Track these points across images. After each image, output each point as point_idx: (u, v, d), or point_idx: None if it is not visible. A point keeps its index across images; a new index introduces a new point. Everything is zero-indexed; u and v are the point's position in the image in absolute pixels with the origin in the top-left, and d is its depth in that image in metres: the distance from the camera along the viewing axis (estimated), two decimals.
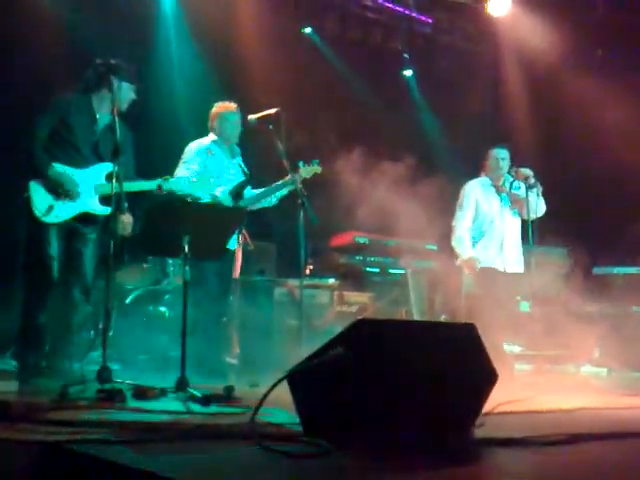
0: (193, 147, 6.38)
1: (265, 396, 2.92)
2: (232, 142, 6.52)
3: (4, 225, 6.09)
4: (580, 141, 8.99)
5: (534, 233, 6.87)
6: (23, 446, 2.60)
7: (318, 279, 7.86)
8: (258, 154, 6.88)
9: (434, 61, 11.14)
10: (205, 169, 6.28)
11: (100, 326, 6.53)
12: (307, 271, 7.93)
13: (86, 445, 2.60)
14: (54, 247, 5.15)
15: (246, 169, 6.49)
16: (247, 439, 2.79)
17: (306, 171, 6.46)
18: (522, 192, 7.11)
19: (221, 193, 6.31)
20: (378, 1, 10.52)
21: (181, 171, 6.23)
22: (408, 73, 11.15)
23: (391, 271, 8.71)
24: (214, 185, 6.23)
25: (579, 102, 8.72)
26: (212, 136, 6.48)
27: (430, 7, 10.82)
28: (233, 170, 6.50)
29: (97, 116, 5.39)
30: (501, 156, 7.19)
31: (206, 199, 6.11)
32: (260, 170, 6.83)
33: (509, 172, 7.14)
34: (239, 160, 6.56)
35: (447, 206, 7.30)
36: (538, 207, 7.05)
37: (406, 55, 10.97)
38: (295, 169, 6.36)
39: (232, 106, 6.49)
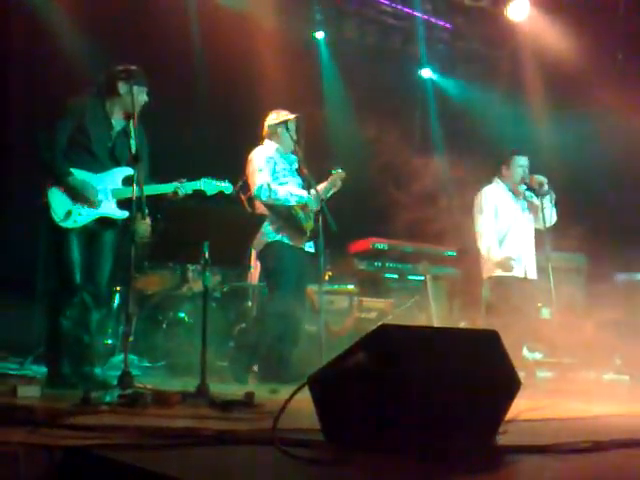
0: (261, 156, 6.52)
1: (287, 402, 2.91)
2: (289, 151, 6.63)
3: (24, 231, 6.13)
4: (601, 145, 8.94)
5: (550, 240, 6.87)
6: (47, 451, 2.60)
7: (337, 285, 7.85)
8: None
9: (453, 66, 11.12)
10: (274, 176, 6.42)
11: (121, 331, 6.57)
12: (326, 277, 7.93)
13: (109, 450, 2.60)
14: (76, 252, 5.17)
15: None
16: (268, 445, 2.78)
17: (339, 176, 6.54)
18: (536, 199, 7.11)
19: (307, 197, 6.47)
20: (397, 6, 10.52)
21: (261, 179, 6.38)
22: (427, 74, 11.17)
23: (410, 277, 8.70)
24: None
25: (600, 106, 8.67)
26: (273, 144, 6.59)
27: (449, 12, 10.81)
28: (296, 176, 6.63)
29: (112, 121, 5.41)
30: (521, 163, 7.17)
31: (294, 202, 6.26)
32: None
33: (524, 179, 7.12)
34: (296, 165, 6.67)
35: (466, 212, 7.29)
36: (552, 215, 7.04)
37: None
38: (328, 175, 6.49)
39: (291, 115, 6.56)
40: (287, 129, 6.46)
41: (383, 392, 2.86)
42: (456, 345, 3.15)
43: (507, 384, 3.22)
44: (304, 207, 6.45)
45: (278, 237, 6.37)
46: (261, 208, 6.46)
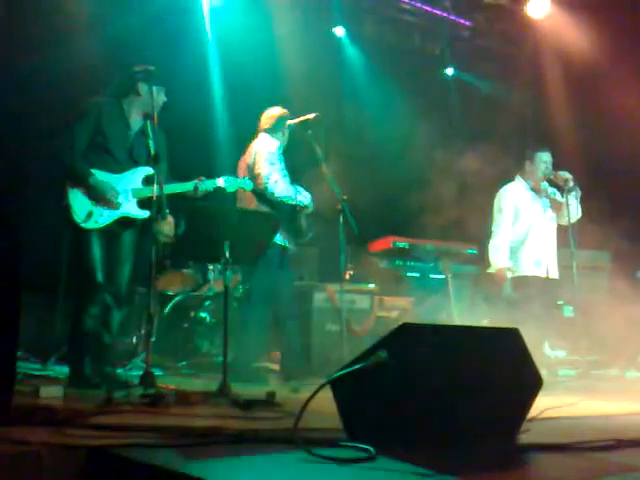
0: (274, 149, 6.39)
1: (308, 401, 2.91)
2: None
3: (46, 232, 6.15)
4: (623, 142, 8.88)
5: (575, 237, 6.82)
6: (70, 451, 2.62)
7: (358, 284, 7.84)
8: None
9: (473, 63, 11.07)
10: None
11: (142, 331, 6.60)
12: (347, 276, 7.92)
13: (131, 449, 2.62)
14: (97, 252, 5.20)
15: None
16: (291, 444, 2.78)
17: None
18: (560, 196, 7.06)
19: (309, 200, 6.43)
20: (416, 4, 10.49)
21: (275, 174, 6.26)
22: (450, 72, 11.12)
23: (431, 276, 8.68)
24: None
25: (621, 104, 8.61)
26: (276, 141, 6.48)
27: (468, 10, 10.77)
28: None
29: (130, 121, 5.43)
30: (545, 159, 7.11)
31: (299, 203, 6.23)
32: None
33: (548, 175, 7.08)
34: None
35: (487, 210, 7.27)
36: (577, 211, 6.99)
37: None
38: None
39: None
40: (306, 129, 6.37)
41: (404, 391, 2.85)
42: (477, 343, 3.14)
43: (529, 382, 3.21)
44: (303, 209, 6.41)
45: (279, 240, 6.27)
46: (253, 203, 6.31)
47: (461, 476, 2.52)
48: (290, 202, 6.30)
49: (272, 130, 6.52)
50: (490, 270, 7.05)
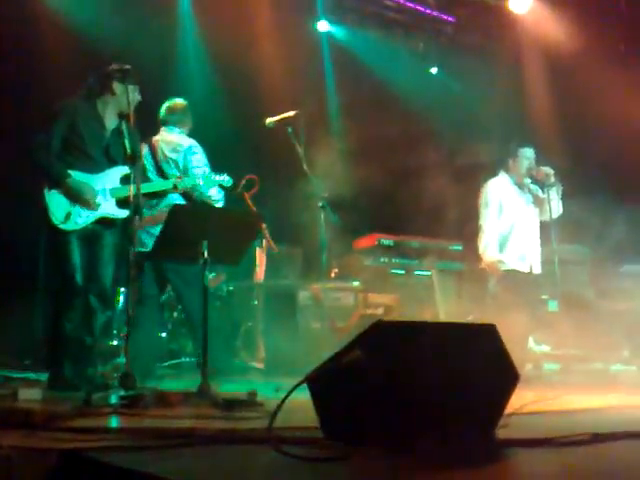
0: (200, 148, 6.24)
1: (283, 400, 2.89)
2: None
3: (26, 234, 6.12)
4: (605, 136, 8.90)
5: (557, 232, 6.84)
6: (40, 454, 2.59)
7: (342, 281, 7.83)
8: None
9: (456, 59, 11.07)
10: None
11: (123, 333, 6.57)
12: (332, 274, 7.91)
13: (102, 452, 2.59)
14: (76, 254, 5.16)
15: None
16: (266, 444, 2.76)
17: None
18: (542, 192, 7.08)
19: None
20: (399, 1, 10.48)
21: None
22: (434, 71, 11.12)
23: (416, 272, 8.67)
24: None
25: (603, 98, 8.63)
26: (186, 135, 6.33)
27: (451, 6, 10.77)
28: None
29: (105, 121, 5.39)
30: (528, 155, 7.13)
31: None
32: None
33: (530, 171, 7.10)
34: None
35: (472, 206, 7.27)
36: (558, 207, 7.01)
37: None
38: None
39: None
40: (286, 126, 6.26)
41: (379, 388, 2.83)
42: (453, 340, 3.12)
43: (505, 378, 3.20)
44: None
45: None
46: None
47: (438, 473, 2.51)
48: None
49: (178, 123, 6.37)
50: (482, 264, 7.05)
